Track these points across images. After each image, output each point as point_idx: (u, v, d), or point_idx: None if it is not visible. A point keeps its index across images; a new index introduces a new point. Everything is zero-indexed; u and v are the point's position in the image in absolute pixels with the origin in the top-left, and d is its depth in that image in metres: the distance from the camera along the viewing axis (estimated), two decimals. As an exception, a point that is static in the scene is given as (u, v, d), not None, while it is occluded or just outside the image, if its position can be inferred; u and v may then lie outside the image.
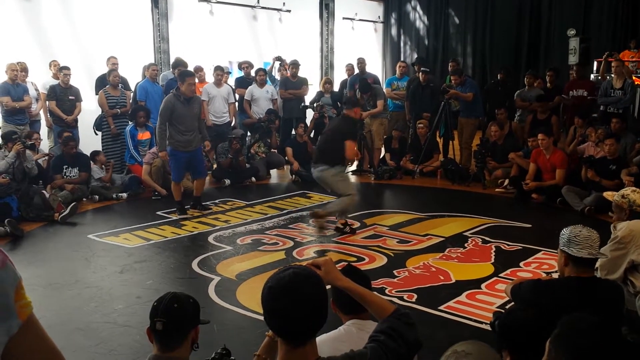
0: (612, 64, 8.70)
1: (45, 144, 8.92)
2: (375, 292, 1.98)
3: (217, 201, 7.83)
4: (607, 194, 4.15)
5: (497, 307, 4.35)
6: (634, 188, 3.97)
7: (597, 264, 3.63)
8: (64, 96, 8.56)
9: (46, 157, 8.02)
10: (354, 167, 9.90)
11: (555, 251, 3.37)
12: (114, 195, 7.89)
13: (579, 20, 12.52)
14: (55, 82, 8.66)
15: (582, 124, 8.34)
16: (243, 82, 10.17)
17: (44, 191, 7.18)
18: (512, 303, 3.30)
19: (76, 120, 8.72)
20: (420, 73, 9.77)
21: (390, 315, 1.85)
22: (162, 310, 2.21)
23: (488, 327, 3.92)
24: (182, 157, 6.94)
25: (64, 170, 7.82)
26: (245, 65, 10.37)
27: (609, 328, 1.54)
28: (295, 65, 10.21)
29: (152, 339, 2.26)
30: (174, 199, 7.18)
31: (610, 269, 3.63)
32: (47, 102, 8.64)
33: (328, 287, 1.79)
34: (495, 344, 2.53)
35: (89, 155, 8.22)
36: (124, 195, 7.92)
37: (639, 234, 3.62)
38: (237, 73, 11.20)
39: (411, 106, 9.86)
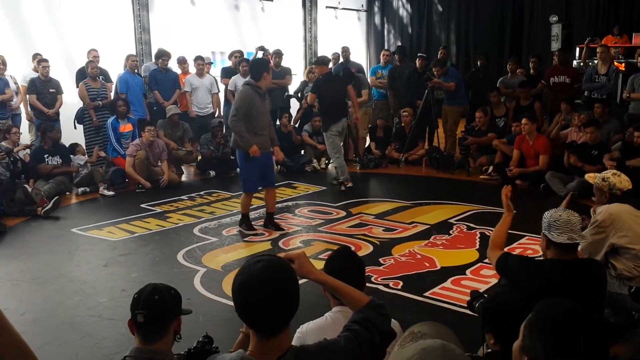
0: (597, 50, 8.71)
1: (26, 138, 8.82)
2: (349, 285, 1.97)
3: (202, 193, 7.80)
4: (589, 176, 4.19)
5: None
6: (614, 171, 4.01)
7: (579, 248, 3.66)
8: (44, 89, 8.44)
9: (27, 150, 7.93)
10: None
11: (539, 236, 3.39)
12: (100, 187, 7.77)
13: (562, 6, 12.58)
14: (36, 75, 8.54)
15: (569, 110, 8.34)
16: (230, 72, 9.99)
17: (26, 185, 7.11)
18: (495, 287, 3.31)
19: (58, 113, 8.61)
20: (417, 59, 9.72)
21: (365, 306, 1.85)
22: (143, 302, 2.20)
23: (474, 313, 3.96)
24: (257, 161, 5.78)
25: (46, 160, 7.75)
26: (237, 55, 10.21)
27: (586, 314, 1.55)
28: (278, 54, 10.12)
29: (134, 331, 2.24)
30: (241, 210, 6.09)
31: (591, 252, 3.66)
32: (27, 96, 8.53)
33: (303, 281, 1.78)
34: (478, 327, 2.55)
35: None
36: (108, 192, 7.76)
37: (618, 217, 3.65)
38: (220, 63, 11.09)
39: (404, 93, 9.78)
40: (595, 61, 8.84)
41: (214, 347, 2.33)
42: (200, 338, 2.32)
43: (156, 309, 2.20)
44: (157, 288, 2.26)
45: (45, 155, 7.76)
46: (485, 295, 2.72)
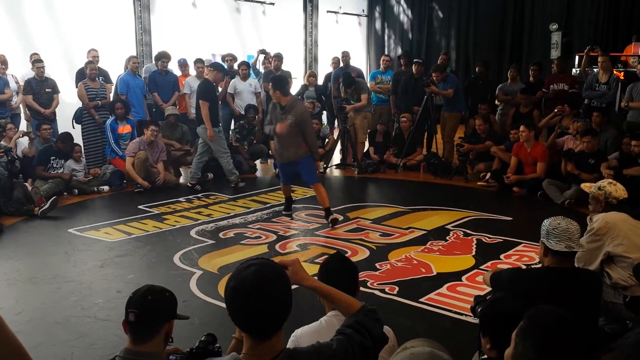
0: (599, 59, 8.70)
1: (25, 138, 8.81)
2: (341, 291, 1.98)
3: (199, 195, 7.80)
4: (585, 186, 4.20)
5: (477, 299, 4.39)
6: (610, 180, 4.03)
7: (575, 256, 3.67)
8: (40, 89, 8.44)
9: (27, 140, 7.91)
10: (337, 160, 9.92)
11: (536, 244, 3.40)
12: (95, 189, 7.79)
13: (562, 14, 12.63)
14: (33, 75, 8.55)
15: (570, 113, 8.31)
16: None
17: (25, 184, 7.11)
18: (492, 293, 3.32)
19: (54, 113, 8.61)
20: (414, 65, 9.74)
21: (358, 311, 1.87)
22: (136, 301, 2.21)
23: (468, 319, 3.97)
24: None
25: (51, 162, 7.76)
26: (229, 58, 10.29)
27: (576, 321, 1.56)
28: (279, 58, 10.15)
29: (127, 331, 2.25)
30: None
31: (586, 260, 3.67)
32: (24, 97, 8.53)
33: (295, 287, 1.78)
34: (474, 333, 2.56)
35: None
36: (105, 188, 7.83)
37: (614, 225, 3.66)
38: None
39: (402, 99, 9.80)
40: (596, 69, 8.86)
41: (217, 347, 2.33)
42: (203, 337, 2.33)
43: (148, 309, 2.20)
44: (151, 289, 2.28)
45: (52, 158, 7.79)
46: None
